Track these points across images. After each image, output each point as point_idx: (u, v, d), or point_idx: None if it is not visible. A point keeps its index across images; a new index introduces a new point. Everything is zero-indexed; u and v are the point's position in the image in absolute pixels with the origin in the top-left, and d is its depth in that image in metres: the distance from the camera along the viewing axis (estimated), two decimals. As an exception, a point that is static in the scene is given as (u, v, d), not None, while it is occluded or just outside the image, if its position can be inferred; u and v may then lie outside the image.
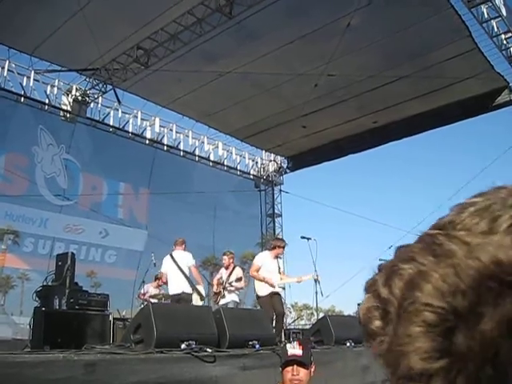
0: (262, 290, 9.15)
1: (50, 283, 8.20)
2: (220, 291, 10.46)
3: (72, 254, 8.67)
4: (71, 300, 7.52)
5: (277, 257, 9.48)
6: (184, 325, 6.30)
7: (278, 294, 9.33)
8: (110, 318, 7.92)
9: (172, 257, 10.23)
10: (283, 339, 8.12)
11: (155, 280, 12.02)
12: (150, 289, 11.82)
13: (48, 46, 13.99)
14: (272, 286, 9.12)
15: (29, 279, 17.23)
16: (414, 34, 13.59)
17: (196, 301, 10.28)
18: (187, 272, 10.10)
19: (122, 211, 17.98)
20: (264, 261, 9.36)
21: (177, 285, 9.97)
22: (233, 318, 6.91)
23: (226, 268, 10.80)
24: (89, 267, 16.20)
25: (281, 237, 19.00)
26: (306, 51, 14.28)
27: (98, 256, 16.97)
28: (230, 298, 10.47)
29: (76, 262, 8.54)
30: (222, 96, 16.77)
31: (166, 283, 10.36)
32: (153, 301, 10.93)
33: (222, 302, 10.36)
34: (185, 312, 7.02)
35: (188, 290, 10.01)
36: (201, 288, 10.53)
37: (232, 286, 10.60)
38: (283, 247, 9.50)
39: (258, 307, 9.74)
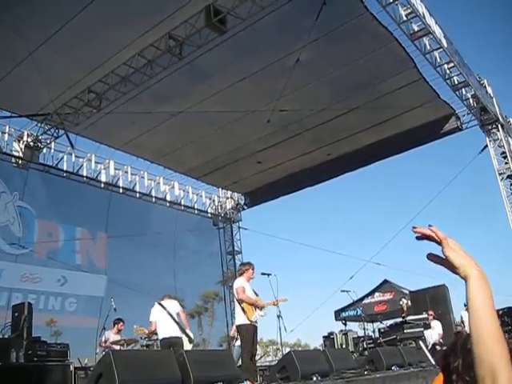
0: (246, 316, 8.69)
1: (6, 336, 7.99)
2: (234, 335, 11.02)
3: (29, 303, 8.48)
4: (29, 352, 7.33)
5: (249, 280, 9.18)
6: (146, 371, 6.17)
7: (256, 327, 8.89)
8: (71, 368, 7.75)
9: (161, 305, 10.36)
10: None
11: (114, 325, 11.81)
12: (111, 335, 11.58)
13: (-3, 93, 13.77)
14: (261, 309, 8.83)
15: (-15, 333, 16.62)
16: (362, 66, 13.97)
17: (186, 344, 10.39)
18: (176, 318, 10.33)
19: (79, 257, 17.57)
20: (244, 284, 9.01)
21: (168, 330, 10.09)
22: (196, 361, 6.80)
23: None
24: (48, 317, 15.70)
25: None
26: (257, 88, 14.47)
27: (58, 305, 16.47)
28: None
29: (35, 312, 8.36)
30: (176, 136, 16.79)
31: (153, 332, 10.40)
32: (115, 347, 10.73)
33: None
34: (146, 357, 6.88)
35: (178, 333, 10.19)
36: (189, 332, 10.70)
37: None
38: (253, 269, 9.25)
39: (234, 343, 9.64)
